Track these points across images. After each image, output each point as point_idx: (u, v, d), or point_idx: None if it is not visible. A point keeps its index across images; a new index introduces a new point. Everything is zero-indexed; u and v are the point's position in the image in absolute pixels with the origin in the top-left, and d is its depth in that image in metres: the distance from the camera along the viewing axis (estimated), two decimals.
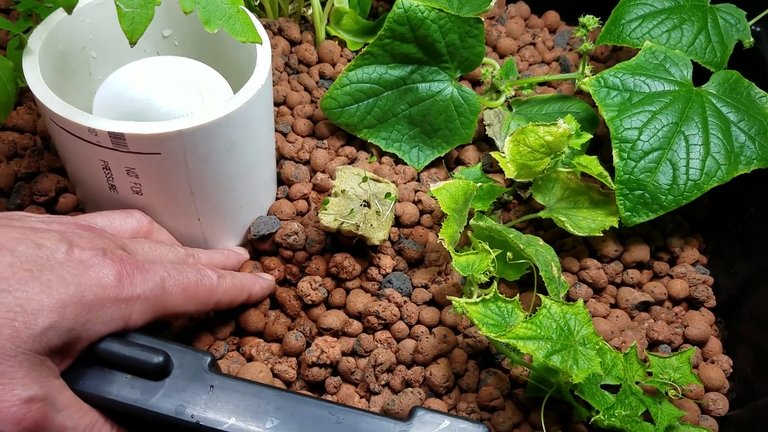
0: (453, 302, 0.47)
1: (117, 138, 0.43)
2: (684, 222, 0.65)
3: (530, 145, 0.55)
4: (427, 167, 0.66)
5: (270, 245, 0.57)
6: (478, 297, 0.48)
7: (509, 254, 0.50)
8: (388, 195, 0.55)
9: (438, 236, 0.60)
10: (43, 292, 0.36)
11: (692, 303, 0.60)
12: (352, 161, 0.64)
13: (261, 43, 0.45)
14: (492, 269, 0.49)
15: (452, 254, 0.50)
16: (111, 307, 0.39)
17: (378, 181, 0.57)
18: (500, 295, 0.47)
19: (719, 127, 0.58)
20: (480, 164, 0.64)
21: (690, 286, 0.60)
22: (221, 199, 0.51)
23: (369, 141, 0.64)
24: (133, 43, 0.38)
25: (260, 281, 0.53)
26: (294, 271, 0.56)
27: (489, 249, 0.49)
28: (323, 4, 0.70)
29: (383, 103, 0.63)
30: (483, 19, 0.60)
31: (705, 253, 0.64)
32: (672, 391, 0.47)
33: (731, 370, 0.56)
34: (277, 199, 0.60)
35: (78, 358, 0.39)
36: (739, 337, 0.57)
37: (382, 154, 0.65)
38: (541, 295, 0.46)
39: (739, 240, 0.61)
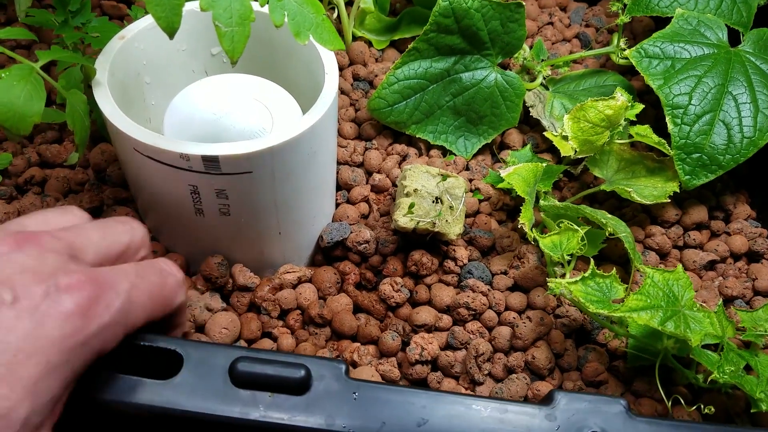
0: (550, 284, 0.47)
1: (210, 161, 0.43)
2: (730, 180, 0.66)
3: (591, 120, 0.56)
4: (474, 155, 0.66)
5: (341, 250, 0.56)
6: (571, 276, 0.49)
7: (609, 229, 0.51)
8: (475, 193, 0.56)
9: (501, 222, 0.61)
10: (6, 385, 0.29)
11: (752, 256, 0.62)
12: (404, 158, 0.64)
13: (345, 49, 0.45)
14: (582, 248, 0.50)
15: (537, 237, 0.51)
16: (81, 351, 0.32)
17: (447, 176, 0.57)
18: (597, 271, 0.48)
19: (763, 83, 0.59)
20: (529, 146, 0.65)
21: (749, 241, 0.62)
22: (301, 210, 0.51)
23: (417, 136, 0.65)
24: (234, 62, 0.38)
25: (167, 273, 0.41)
26: (368, 276, 0.56)
27: (577, 227, 0.50)
28: (347, 5, 0.70)
29: (429, 96, 0.63)
30: (524, 3, 0.60)
31: (752, 207, 0.66)
32: None
33: None
34: (337, 204, 0.60)
35: (216, 383, 0.38)
36: None
37: (429, 147, 0.66)
38: (641, 266, 0.47)
39: None
